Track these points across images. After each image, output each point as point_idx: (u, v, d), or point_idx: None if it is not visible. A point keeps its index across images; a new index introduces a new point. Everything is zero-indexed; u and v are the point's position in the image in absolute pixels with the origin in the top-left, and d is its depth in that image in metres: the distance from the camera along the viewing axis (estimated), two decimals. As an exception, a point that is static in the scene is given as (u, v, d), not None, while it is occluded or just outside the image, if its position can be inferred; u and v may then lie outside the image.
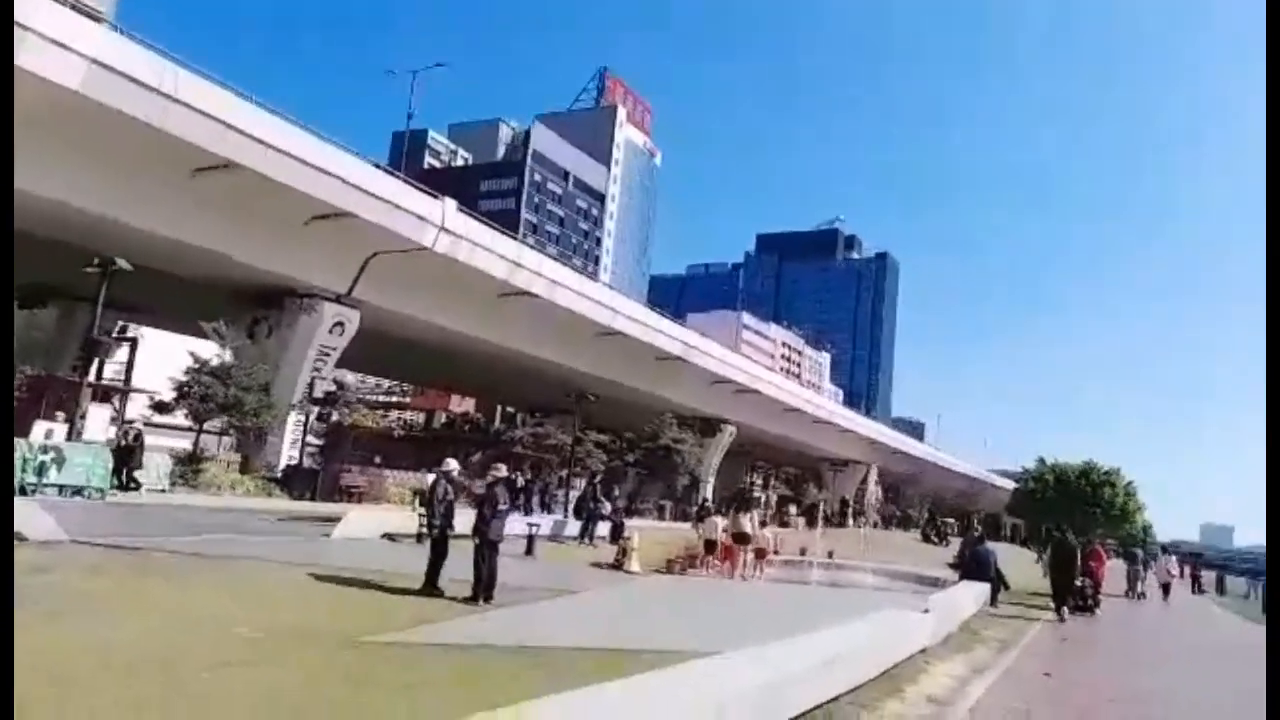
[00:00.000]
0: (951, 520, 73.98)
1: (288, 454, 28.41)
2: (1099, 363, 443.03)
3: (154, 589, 8.20)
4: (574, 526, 21.06)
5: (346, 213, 26.38)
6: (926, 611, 10.90)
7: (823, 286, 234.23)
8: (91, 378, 24.97)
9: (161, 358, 30.25)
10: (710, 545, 17.51)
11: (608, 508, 21.67)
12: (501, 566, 11.98)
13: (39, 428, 16.16)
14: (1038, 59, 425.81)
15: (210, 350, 28.98)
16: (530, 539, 15.58)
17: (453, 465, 10.74)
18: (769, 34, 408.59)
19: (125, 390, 26.54)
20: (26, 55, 17.66)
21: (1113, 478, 63.65)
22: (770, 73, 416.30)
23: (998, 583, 17.78)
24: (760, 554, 18.07)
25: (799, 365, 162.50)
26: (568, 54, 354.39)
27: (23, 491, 15.06)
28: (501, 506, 9.82)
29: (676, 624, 10.28)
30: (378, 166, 27.54)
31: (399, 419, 70.93)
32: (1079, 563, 18.09)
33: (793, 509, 60.28)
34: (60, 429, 16.82)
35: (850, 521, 62.37)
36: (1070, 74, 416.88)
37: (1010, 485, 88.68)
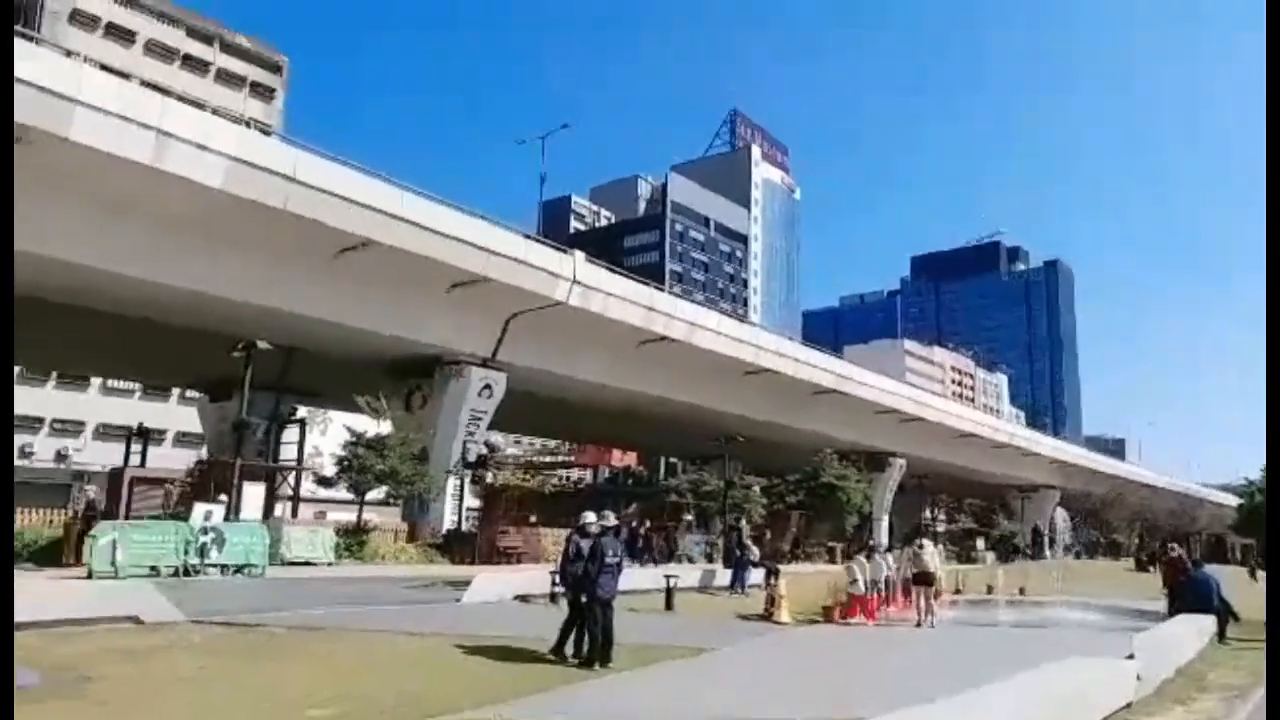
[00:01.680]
0: (1177, 546, 66.15)
1: (449, 519, 28.95)
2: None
3: (242, 667, 8.00)
4: (725, 576, 19.94)
5: (482, 277, 26.93)
6: (1131, 657, 9.06)
7: (988, 304, 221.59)
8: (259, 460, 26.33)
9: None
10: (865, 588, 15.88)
11: (755, 553, 20.37)
12: (636, 623, 11.13)
13: (198, 510, 17.00)
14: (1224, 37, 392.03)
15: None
16: (668, 592, 14.66)
17: (589, 518, 9.85)
18: (901, 45, 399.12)
19: (275, 469, 27.96)
20: (173, 161, 19.09)
21: (1362, 483, 55.02)
22: (908, 86, 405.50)
23: (1224, 614, 15.09)
24: (934, 594, 16.21)
25: (971, 389, 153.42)
26: (699, 102, 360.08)
27: (187, 572, 15.79)
28: (610, 560, 8.99)
29: (816, 684, 9.02)
30: (507, 228, 28.04)
31: (562, 477, 71.91)
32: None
33: (980, 542, 55.91)
34: (219, 509, 17.65)
35: (1046, 552, 57.11)
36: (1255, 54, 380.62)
37: (1233, 500, 78.72)
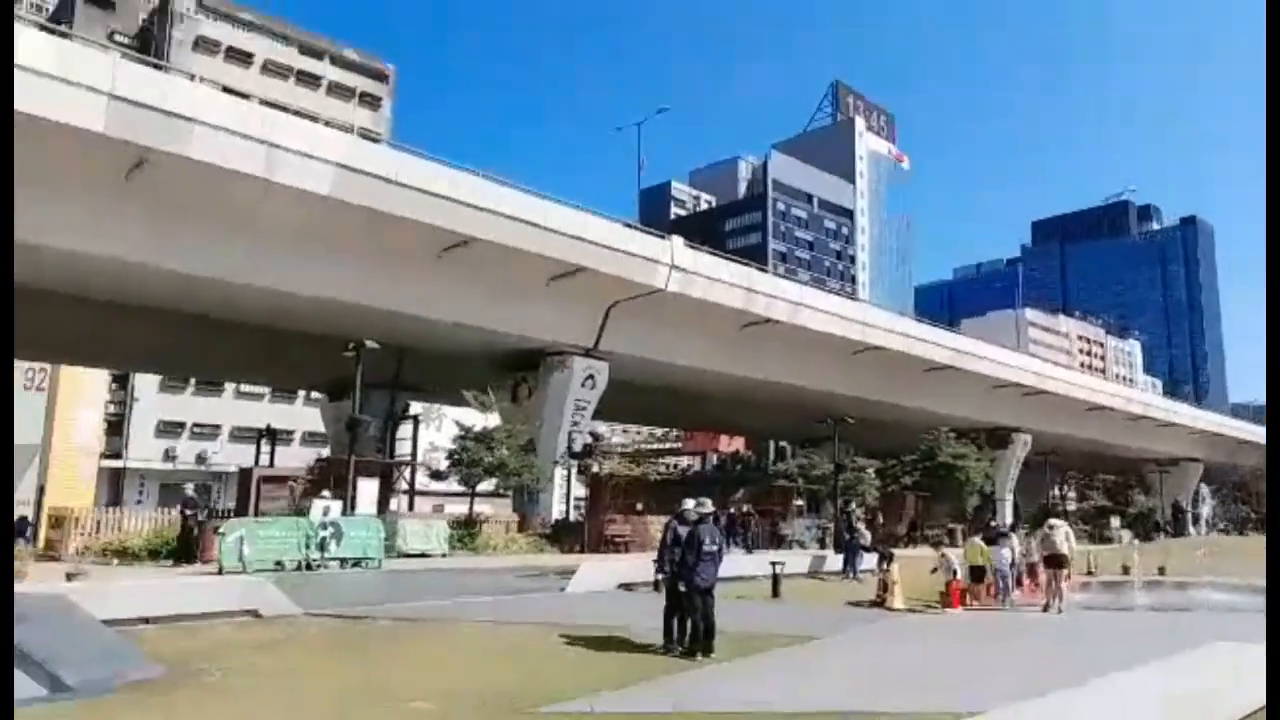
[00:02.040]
0: None
1: (557, 509, 29.40)
2: None
3: (350, 659, 8.25)
4: (836, 561, 19.39)
5: (580, 267, 27.13)
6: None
7: (1119, 268, 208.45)
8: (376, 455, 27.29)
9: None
10: (977, 573, 15.03)
11: (867, 537, 19.68)
12: (741, 611, 10.92)
13: (317, 505, 17.77)
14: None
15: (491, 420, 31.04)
16: (775, 578, 14.31)
17: (687, 505, 9.65)
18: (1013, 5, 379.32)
19: (389, 464, 28.95)
20: (283, 171, 19.96)
21: None
22: (1015, 46, 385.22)
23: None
24: (1065, 576, 15.24)
25: (1102, 358, 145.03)
26: (800, 78, 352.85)
27: (309, 566, 16.53)
28: (709, 547, 8.76)
29: (926, 674, 8.54)
30: (603, 217, 28.11)
31: (669, 465, 72.09)
32: None
33: (1115, 521, 52.80)
34: (336, 505, 18.41)
35: (1190, 529, 53.40)
36: None
37: None
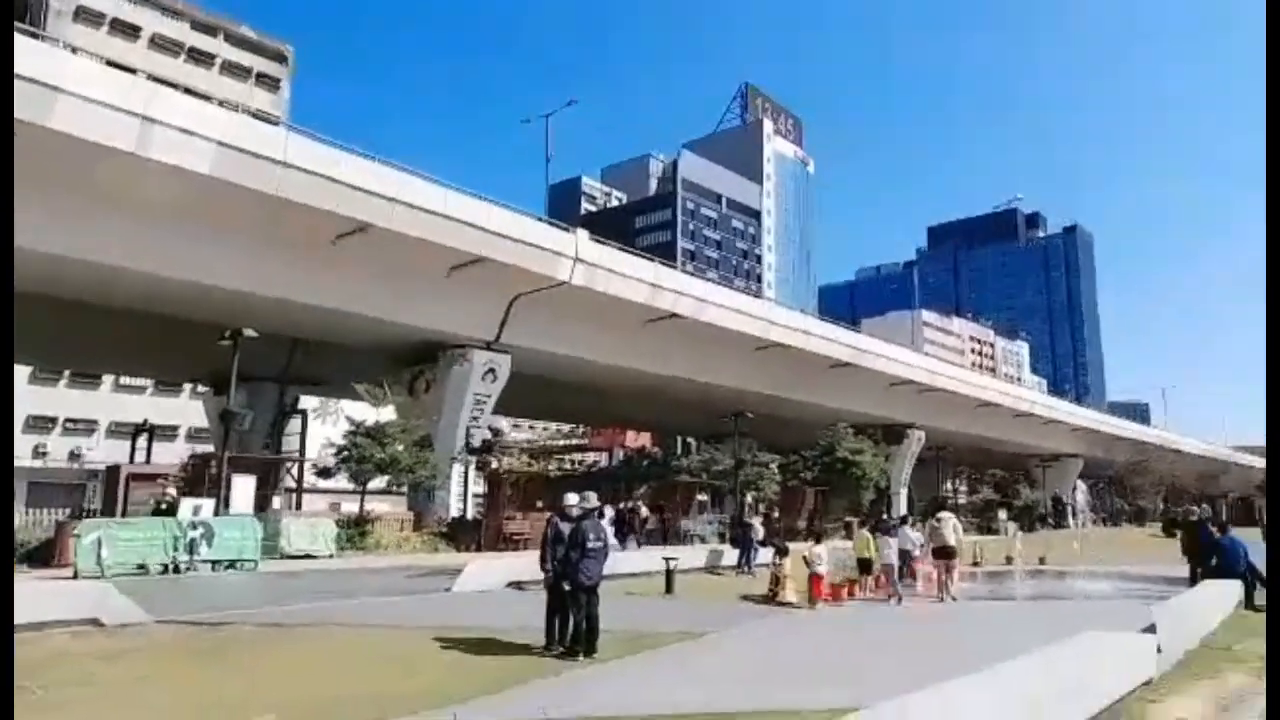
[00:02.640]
0: (1198, 508, 65.12)
1: (455, 506, 28.60)
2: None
3: (194, 670, 7.60)
4: (733, 556, 19.43)
5: (481, 257, 26.46)
6: (1151, 629, 8.47)
7: (1007, 272, 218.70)
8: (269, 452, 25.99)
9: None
10: (865, 565, 15.29)
11: (759, 531, 19.77)
12: (632, 608, 10.68)
13: (186, 505, 16.72)
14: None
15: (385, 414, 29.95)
16: (668, 574, 14.14)
17: (570, 500, 9.30)
18: (915, 13, 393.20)
19: (271, 460, 27.68)
20: (159, 147, 18.68)
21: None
22: (922, 54, 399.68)
23: (1252, 580, 14.43)
24: (949, 568, 15.63)
25: (992, 358, 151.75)
26: (710, 78, 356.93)
27: (177, 569, 15.49)
28: (592, 544, 8.45)
29: (814, 668, 8.49)
30: (507, 208, 27.47)
31: (574, 461, 71.62)
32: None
33: (1002, 513, 55.07)
34: (208, 504, 17.34)
35: (1070, 521, 56.24)
36: None
37: (1260, 463, 77.41)
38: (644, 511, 28.66)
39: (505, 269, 27.35)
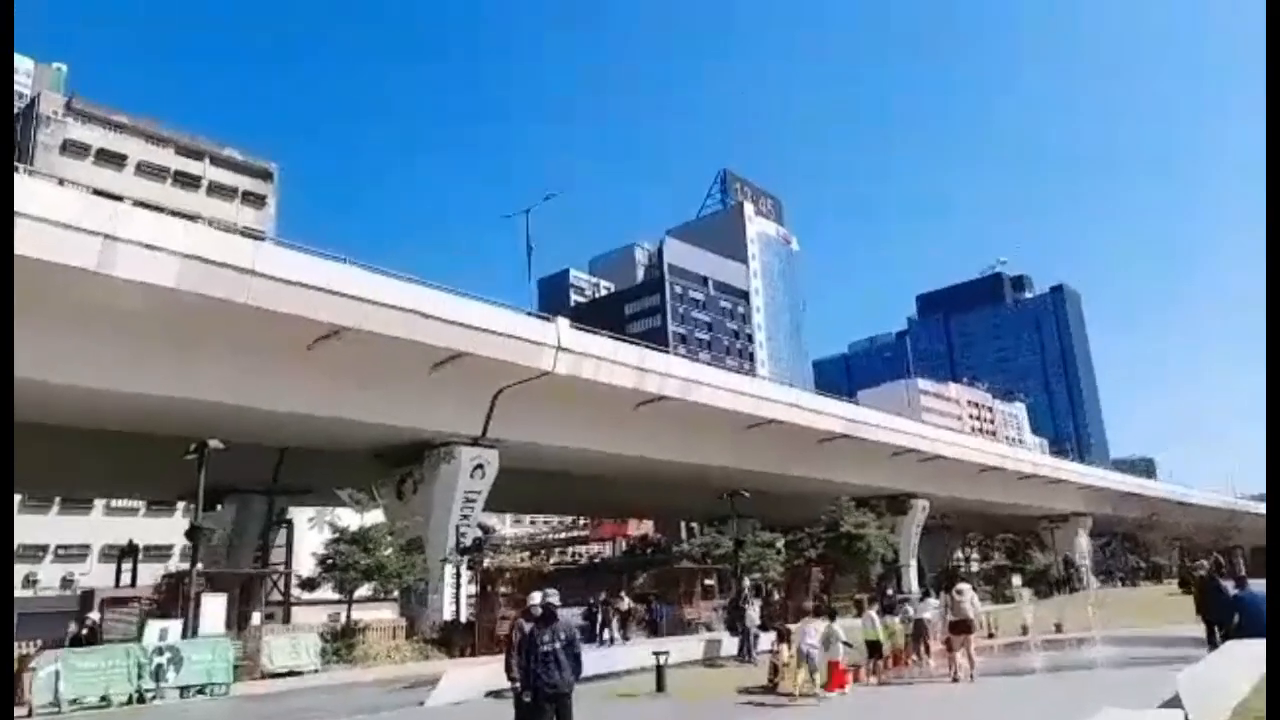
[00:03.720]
0: (1206, 561, 63.42)
1: (449, 609, 27.55)
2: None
3: None
4: (733, 645, 18.48)
5: (461, 352, 26.20)
6: (1176, 703, 7.79)
7: (999, 335, 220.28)
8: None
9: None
10: (874, 648, 14.42)
11: (752, 616, 18.71)
12: (617, 712, 9.96)
13: (152, 628, 15.87)
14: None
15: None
16: (659, 670, 13.29)
17: (534, 599, 8.52)
18: (887, 90, 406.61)
19: (249, 574, 26.71)
20: (123, 265, 18.57)
21: None
22: (894, 129, 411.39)
23: (1280, 637, 13.61)
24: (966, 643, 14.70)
25: (991, 421, 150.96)
26: (687, 167, 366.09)
27: (141, 699, 14.59)
28: (545, 647, 7.69)
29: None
30: (485, 301, 27.38)
31: (574, 554, 70.17)
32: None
33: (1016, 579, 53.60)
34: (175, 626, 16.50)
35: (1084, 582, 54.72)
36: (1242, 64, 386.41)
37: (1276, 510, 76.07)
38: (626, 603, 27.41)
39: (487, 363, 27.07)
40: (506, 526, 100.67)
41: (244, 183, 72.88)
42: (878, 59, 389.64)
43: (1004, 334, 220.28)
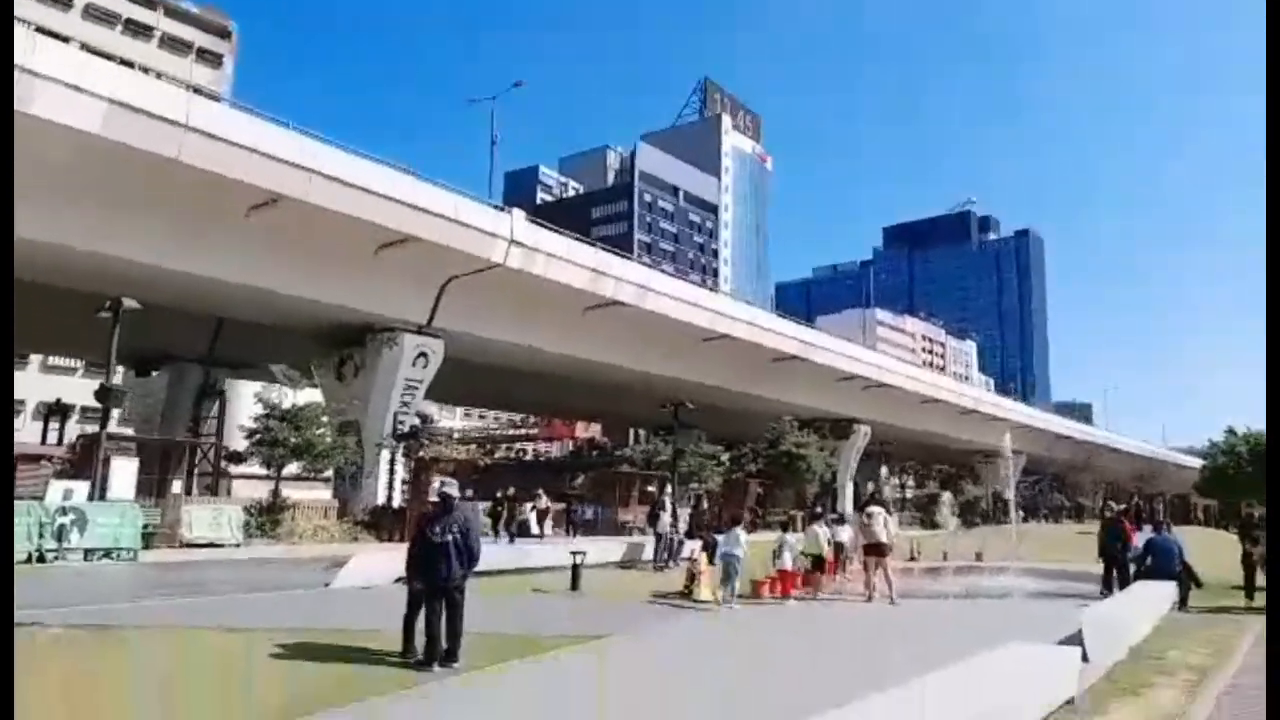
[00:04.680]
0: (1112, 503, 66.11)
1: (383, 495, 27.32)
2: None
3: None
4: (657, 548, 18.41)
5: (410, 236, 25.20)
6: (1078, 640, 7.74)
7: (960, 273, 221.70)
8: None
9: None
10: (817, 561, 14.50)
11: (665, 522, 18.38)
12: (528, 607, 9.71)
13: (55, 488, 15.30)
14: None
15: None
16: (575, 570, 13.17)
17: (434, 484, 8.18)
18: (878, 13, 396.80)
19: (170, 442, 25.99)
20: (42, 103, 17.18)
21: (1323, 442, 54.49)
22: (883, 55, 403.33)
23: (1186, 580, 13.95)
24: (879, 565, 14.85)
25: (942, 357, 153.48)
26: (669, 71, 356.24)
27: (41, 558, 14.11)
28: (436, 538, 7.31)
29: (710, 682, 7.59)
30: (438, 185, 26.18)
31: (518, 450, 70.49)
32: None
33: (945, 508, 55.19)
34: (81, 488, 15.93)
35: (1011, 516, 56.55)
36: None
37: (1197, 463, 79.16)
38: (544, 501, 27.11)
39: (437, 249, 26.13)
40: (457, 419, 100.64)
41: (201, 39, 68.77)
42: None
43: (966, 272, 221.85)
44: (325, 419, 25.28)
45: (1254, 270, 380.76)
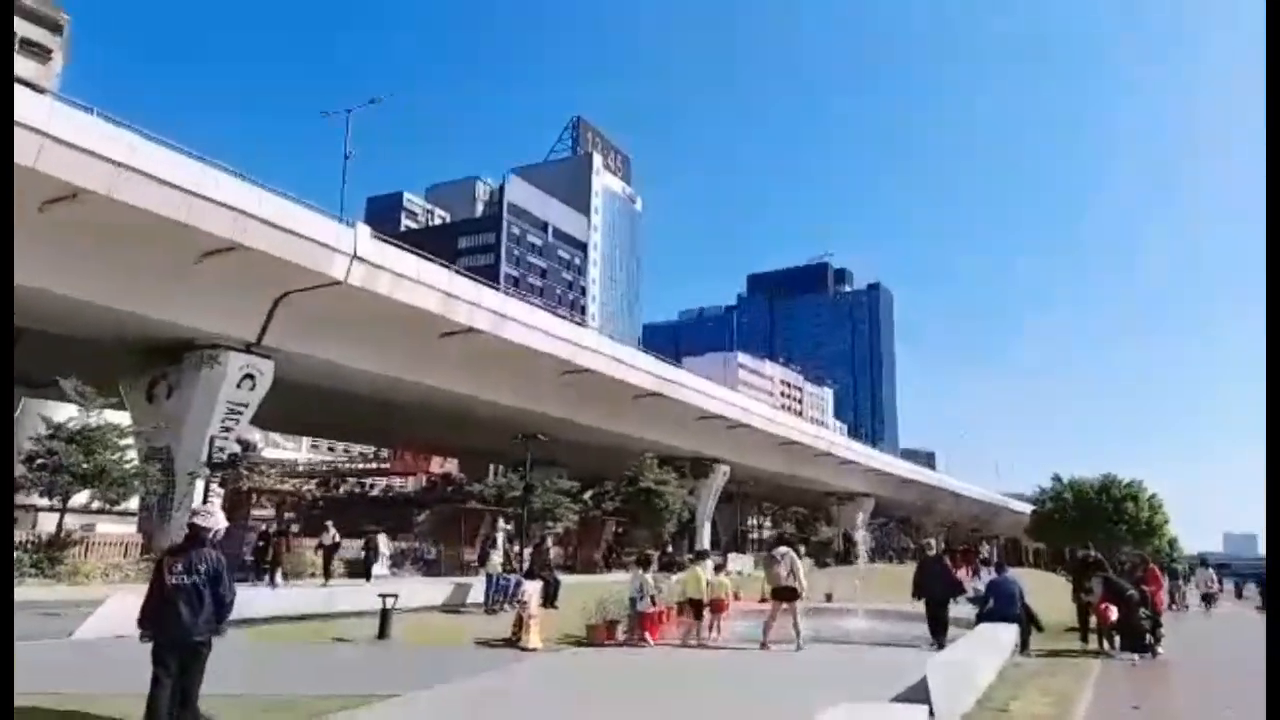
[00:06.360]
0: (930, 541, 69.27)
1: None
2: (1110, 380, 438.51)
3: None
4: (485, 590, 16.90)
5: (238, 244, 22.94)
6: (923, 691, 6.99)
7: (817, 322, 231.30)
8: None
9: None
10: (696, 606, 13.30)
11: (495, 561, 16.97)
12: (321, 660, 8.23)
13: None
14: (1022, 75, 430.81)
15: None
16: (384, 615, 11.59)
17: (205, 510, 6.49)
18: (743, 71, 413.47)
19: None
20: None
21: (1135, 491, 58.97)
22: (747, 111, 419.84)
23: (1026, 622, 13.80)
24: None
25: (799, 401, 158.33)
26: (541, 109, 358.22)
27: None
28: (177, 580, 5.77)
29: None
30: (271, 190, 24.03)
31: (366, 484, 66.77)
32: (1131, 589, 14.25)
33: (801, 549, 55.78)
34: None
35: (860, 556, 57.97)
36: (1063, 89, 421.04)
37: (1027, 508, 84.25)
38: (331, 535, 24.46)
39: (269, 260, 23.91)
40: (303, 451, 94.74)
41: (27, 29, 62.96)
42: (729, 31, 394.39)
43: (822, 322, 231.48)
44: (127, 443, 22.37)
45: (1082, 326, 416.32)
